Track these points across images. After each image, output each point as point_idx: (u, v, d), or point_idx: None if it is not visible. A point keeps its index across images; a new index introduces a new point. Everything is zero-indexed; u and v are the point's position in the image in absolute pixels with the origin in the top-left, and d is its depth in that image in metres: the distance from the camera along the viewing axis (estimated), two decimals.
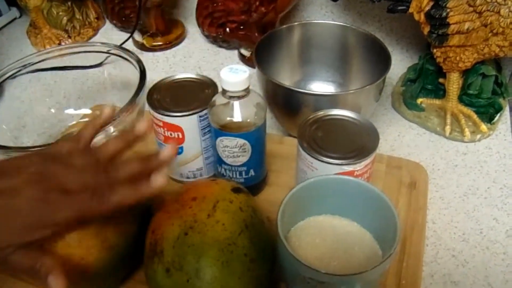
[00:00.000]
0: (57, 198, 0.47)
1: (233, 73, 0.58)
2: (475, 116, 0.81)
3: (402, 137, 0.83)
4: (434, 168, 0.76)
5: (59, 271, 0.46)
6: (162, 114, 0.64)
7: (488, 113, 0.82)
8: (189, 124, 0.65)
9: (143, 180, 0.50)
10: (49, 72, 0.84)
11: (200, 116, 0.64)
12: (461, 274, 0.62)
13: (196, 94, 0.66)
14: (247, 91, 0.60)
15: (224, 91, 0.60)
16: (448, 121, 0.81)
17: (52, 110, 0.85)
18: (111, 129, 0.65)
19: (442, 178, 0.75)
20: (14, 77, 0.80)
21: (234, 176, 0.66)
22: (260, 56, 0.77)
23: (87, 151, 0.53)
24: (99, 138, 0.66)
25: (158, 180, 0.49)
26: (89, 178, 0.49)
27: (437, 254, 0.64)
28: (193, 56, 1.08)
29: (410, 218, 0.66)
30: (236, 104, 0.60)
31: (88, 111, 0.87)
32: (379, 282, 0.54)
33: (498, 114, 0.82)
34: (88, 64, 0.85)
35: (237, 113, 0.60)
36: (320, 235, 0.55)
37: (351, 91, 0.72)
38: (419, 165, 0.74)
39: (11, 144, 0.71)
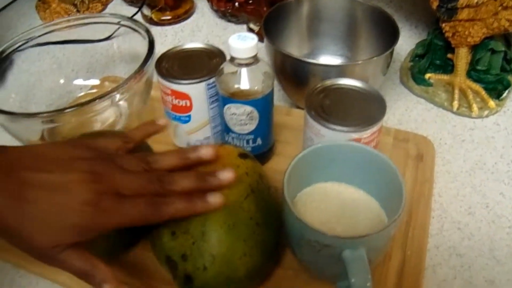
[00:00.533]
0: (111, 203, 0.45)
1: (241, 40, 0.59)
2: (483, 92, 0.81)
3: (410, 112, 0.83)
4: (441, 143, 0.76)
5: (115, 282, 0.45)
6: (170, 82, 0.64)
7: (497, 89, 0.82)
8: (197, 92, 0.65)
9: (198, 195, 0.48)
10: (58, 46, 0.83)
11: (208, 84, 0.64)
12: (467, 247, 0.62)
13: (204, 62, 0.67)
14: (255, 58, 0.60)
15: (232, 59, 0.60)
16: (456, 96, 0.81)
17: (61, 81, 0.85)
18: (117, 96, 0.65)
19: (449, 153, 0.75)
20: (23, 49, 0.80)
21: (242, 144, 0.66)
22: (269, 29, 0.77)
23: (139, 157, 0.51)
24: (109, 111, 0.67)
25: (216, 200, 0.48)
26: (144, 185, 0.47)
27: (443, 227, 0.64)
28: (202, 30, 1.07)
29: (416, 190, 0.66)
30: (244, 71, 0.60)
31: (97, 81, 0.87)
32: (384, 251, 0.54)
33: (507, 91, 0.82)
34: (97, 37, 0.85)
35: (245, 81, 0.60)
36: (326, 201, 0.56)
37: (359, 62, 0.72)
38: (426, 139, 0.74)
39: None
